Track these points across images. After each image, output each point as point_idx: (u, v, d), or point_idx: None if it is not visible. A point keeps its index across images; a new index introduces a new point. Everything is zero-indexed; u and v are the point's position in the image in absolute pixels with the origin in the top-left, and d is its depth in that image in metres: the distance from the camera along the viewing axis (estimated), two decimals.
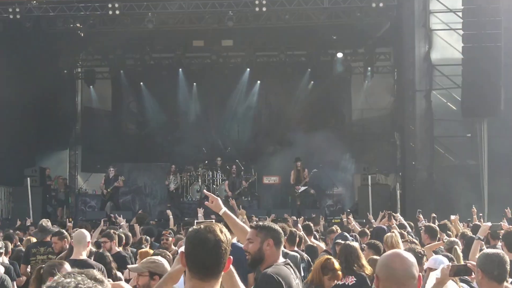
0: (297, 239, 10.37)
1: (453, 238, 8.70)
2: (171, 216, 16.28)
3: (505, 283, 5.25)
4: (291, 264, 5.49)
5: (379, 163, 25.21)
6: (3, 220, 22.40)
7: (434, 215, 15.35)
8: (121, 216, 16.10)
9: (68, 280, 2.43)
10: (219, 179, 25.97)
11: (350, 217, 15.40)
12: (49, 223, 10.88)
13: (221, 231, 3.57)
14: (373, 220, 16.15)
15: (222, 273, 3.59)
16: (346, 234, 9.06)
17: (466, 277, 6.10)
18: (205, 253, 3.51)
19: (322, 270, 7.20)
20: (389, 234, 9.32)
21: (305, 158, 24.26)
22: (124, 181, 24.22)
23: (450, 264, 5.73)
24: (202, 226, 3.58)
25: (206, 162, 26.67)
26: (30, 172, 23.30)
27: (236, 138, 28.43)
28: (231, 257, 3.62)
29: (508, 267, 5.18)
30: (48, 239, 10.57)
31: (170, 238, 10.89)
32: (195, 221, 9.16)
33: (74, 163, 29.82)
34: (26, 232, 15.18)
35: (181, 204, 25.49)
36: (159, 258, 6.13)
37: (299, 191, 23.39)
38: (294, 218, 17.90)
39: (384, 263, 3.63)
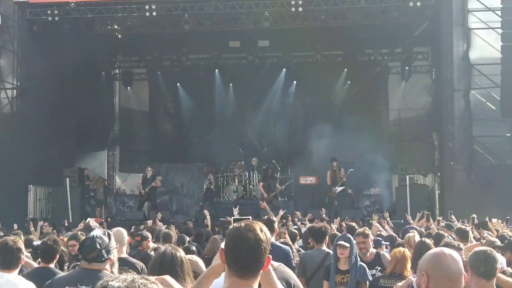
0: None
1: (493, 238, 8.62)
2: (208, 216, 16.31)
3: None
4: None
5: (417, 163, 25.02)
6: (43, 220, 22.67)
7: (474, 215, 15.23)
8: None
9: (125, 276, 2.51)
10: (255, 180, 25.96)
11: (376, 222, 15.16)
12: (95, 223, 11.01)
13: (261, 230, 3.57)
14: (411, 221, 16.04)
15: (261, 272, 3.59)
16: (349, 235, 8.56)
17: None
18: (245, 251, 3.51)
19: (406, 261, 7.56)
20: (410, 234, 9.25)
21: (342, 158, 24.16)
22: (162, 181, 24.38)
23: None
24: (242, 224, 3.59)
25: (243, 162, 26.72)
26: (69, 173, 23.56)
27: (272, 139, 28.41)
28: (270, 256, 3.62)
29: (497, 264, 5.27)
30: None
31: (144, 242, 9.99)
32: (232, 217, 9.11)
33: (112, 164, 30.22)
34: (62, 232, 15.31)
35: (217, 204, 25.58)
36: (193, 256, 6.21)
37: (337, 192, 23.32)
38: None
39: (436, 262, 3.65)
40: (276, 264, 5.39)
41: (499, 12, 20.94)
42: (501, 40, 20.66)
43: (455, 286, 3.59)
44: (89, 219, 11.35)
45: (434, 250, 3.80)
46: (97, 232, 5.66)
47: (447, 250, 3.75)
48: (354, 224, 11.58)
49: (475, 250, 5.61)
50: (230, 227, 3.68)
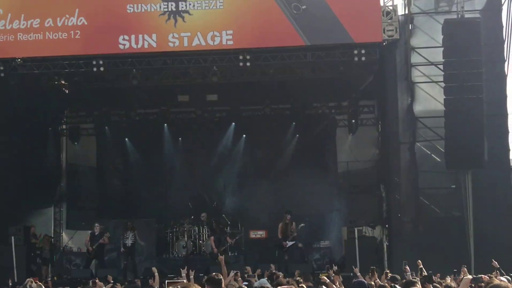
0: None
1: None
2: (156, 274, 16.05)
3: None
4: None
5: (365, 216, 25.17)
6: None
7: (420, 266, 15.34)
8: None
9: None
10: (205, 235, 25.80)
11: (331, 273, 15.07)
12: (34, 284, 10.65)
13: None
14: (359, 274, 16.03)
15: None
16: None
17: None
18: None
19: None
20: None
21: (292, 211, 24.20)
22: (110, 238, 24.03)
23: None
24: (179, 287, 3.56)
25: (192, 217, 26.56)
26: (14, 231, 23.08)
27: (222, 193, 28.36)
28: None
29: None
30: None
31: None
32: (166, 281, 8.96)
33: (59, 221, 29.65)
34: None
35: (167, 260, 25.33)
36: None
37: (287, 246, 23.24)
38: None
39: None
40: None
41: (441, 67, 21.43)
42: (444, 94, 21.09)
43: None
44: (27, 280, 10.96)
45: None
46: None
47: None
48: None
49: None
50: None
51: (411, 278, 13.72)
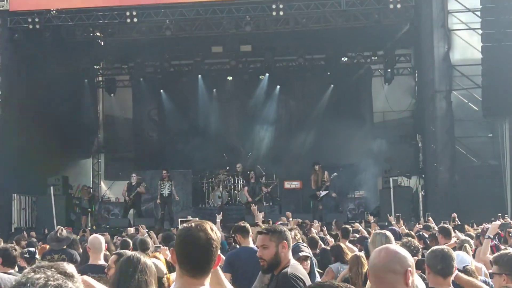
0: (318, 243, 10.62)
1: (464, 237, 8.64)
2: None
3: None
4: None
5: (401, 166, 24.98)
6: (28, 229, 22.54)
7: (454, 214, 15.28)
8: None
9: (38, 276, 2.38)
10: (240, 185, 25.91)
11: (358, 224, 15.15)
12: (64, 232, 10.83)
13: (212, 229, 3.56)
14: (394, 222, 16.04)
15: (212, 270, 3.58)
16: (301, 244, 7.37)
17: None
18: (197, 251, 3.49)
19: None
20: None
21: (327, 161, 24.21)
22: (146, 187, 24.28)
23: None
24: (192, 224, 3.57)
25: (228, 168, 26.69)
26: (53, 181, 23.45)
27: (257, 143, 28.42)
28: (221, 254, 3.61)
29: (454, 263, 5.29)
30: (64, 247, 10.58)
31: None
32: (179, 219, 9.07)
33: (97, 172, 30.13)
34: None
35: (202, 209, 25.59)
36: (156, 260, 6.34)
37: (321, 196, 23.27)
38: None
39: (371, 257, 3.67)
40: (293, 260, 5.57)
41: (478, 13, 21.00)
42: (481, 41, 20.71)
43: (377, 281, 3.59)
44: (58, 227, 11.15)
45: (380, 246, 3.80)
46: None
47: (385, 246, 3.75)
48: None
49: (433, 248, 5.62)
50: (180, 227, 3.67)
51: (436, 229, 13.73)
